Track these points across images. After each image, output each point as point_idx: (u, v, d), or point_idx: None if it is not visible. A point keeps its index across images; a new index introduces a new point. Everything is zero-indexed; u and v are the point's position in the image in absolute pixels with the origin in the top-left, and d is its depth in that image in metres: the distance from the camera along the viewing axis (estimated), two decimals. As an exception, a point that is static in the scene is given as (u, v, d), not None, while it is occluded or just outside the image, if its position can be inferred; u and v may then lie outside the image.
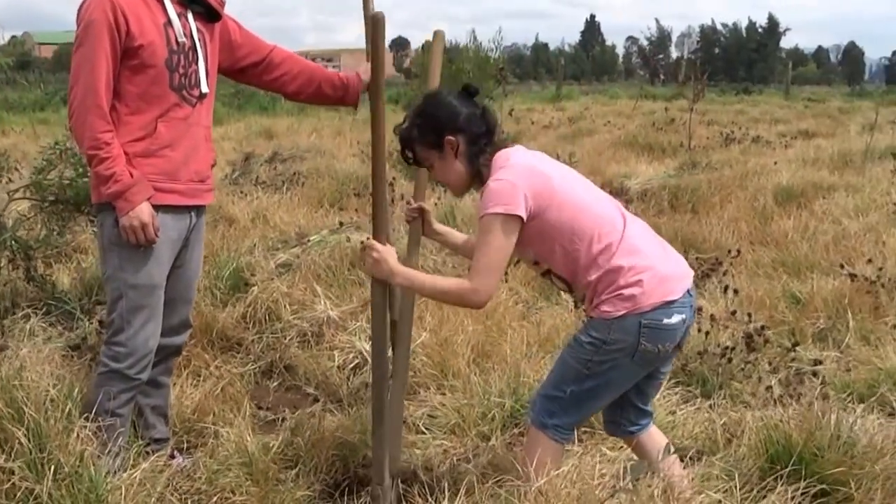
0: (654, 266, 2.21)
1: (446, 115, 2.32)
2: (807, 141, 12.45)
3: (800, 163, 9.24)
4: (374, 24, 2.33)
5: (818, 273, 4.93)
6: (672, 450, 2.36)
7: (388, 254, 2.32)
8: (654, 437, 2.48)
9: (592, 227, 2.22)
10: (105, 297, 2.72)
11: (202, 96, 2.61)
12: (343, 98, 2.90)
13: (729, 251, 5.45)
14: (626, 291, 2.17)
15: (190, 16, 2.57)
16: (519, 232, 2.21)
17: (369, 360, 3.67)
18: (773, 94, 29.68)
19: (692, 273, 2.33)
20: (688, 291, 2.25)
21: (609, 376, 2.23)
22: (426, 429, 3.13)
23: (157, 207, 2.52)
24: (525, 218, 2.19)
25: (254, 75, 2.84)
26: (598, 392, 2.27)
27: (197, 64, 2.57)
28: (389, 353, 2.59)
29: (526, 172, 2.24)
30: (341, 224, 5.20)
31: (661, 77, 58.33)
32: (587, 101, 23.19)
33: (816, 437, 2.66)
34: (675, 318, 2.20)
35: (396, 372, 2.59)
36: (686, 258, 5.22)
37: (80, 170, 4.08)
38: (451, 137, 2.31)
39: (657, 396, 3.10)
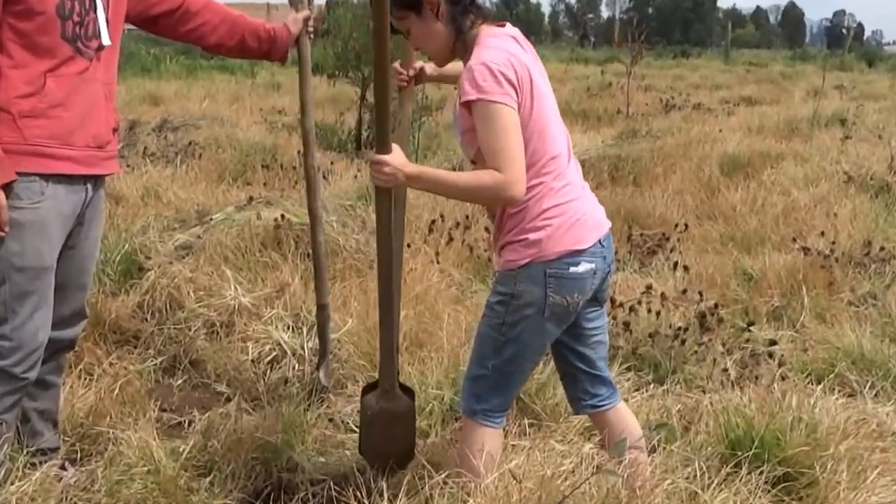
0: (568, 213, 2.30)
1: None
2: (750, 108, 12.91)
3: (745, 131, 9.57)
4: None
5: (769, 248, 5.15)
6: (640, 436, 2.44)
7: (399, 158, 2.23)
8: (624, 415, 2.54)
9: (540, 158, 2.28)
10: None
11: (101, 49, 2.52)
12: (269, 52, 2.85)
13: (675, 226, 5.64)
14: (532, 236, 2.27)
15: None
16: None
17: (288, 351, 3.66)
18: (712, 58, 30.66)
19: (609, 224, 2.43)
20: (600, 241, 2.35)
21: (524, 339, 2.32)
22: (356, 426, 3.10)
23: (47, 177, 2.43)
24: (517, 111, 2.20)
25: (168, 25, 2.78)
26: (518, 360, 2.35)
27: (95, 12, 2.48)
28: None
29: (522, 68, 2.24)
30: (251, 199, 5.12)
31: (592, 39, 59.28)
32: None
33: (778, 420, 2.80)
34: (583, 268, 2.30)
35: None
36: (630, 234, 5.44)
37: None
38: None
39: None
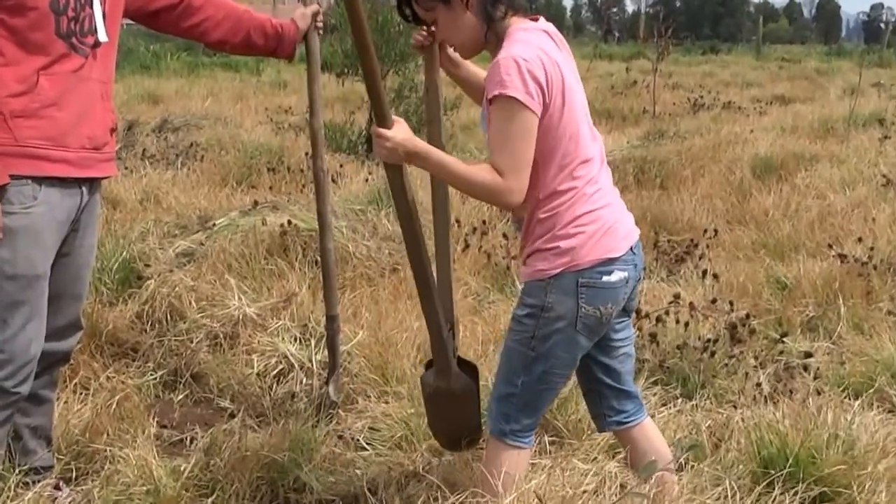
0: (600, 219, 2.29)
1: None
2: (783, 107, 12.90)
3: (778, 131, 9.56)
4: None
5: (804, 255, 5.13)
6: (666, 453, 2.43)
7: (401, 133, 2.20)
8: (650, 431, 2.53)
9: (572, 161, 2.27)
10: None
11: (98, 45, 2.53)
12: (276, 49, 2.86)
13: (704, 232, 5.61)
14: (564, 244, 2.26)
15: None
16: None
17: (295, 364, 3.66)
18: (742, 54, 30.66)
19: (638, 231, 2.43)
20: (631, 249, 2.35)
21: (556, 355, 2.31)
22: (368, 444, 3.13)
23: (40, 180, 2.44)
24: (539, 115, 2.20)
25: (169, 21, 2.80)
26: (549, 376, 2.35)
27: (91, 7, 2.49)
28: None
29: (552, 67, 2.23)
30: (256, 204, 5.13)
31: (616, 34, 59.40)
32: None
33: (813, 437, 2.78)
34: (616, 276, 2.30)
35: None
36: (657, 240, 5.44)
37: None
38: None
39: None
